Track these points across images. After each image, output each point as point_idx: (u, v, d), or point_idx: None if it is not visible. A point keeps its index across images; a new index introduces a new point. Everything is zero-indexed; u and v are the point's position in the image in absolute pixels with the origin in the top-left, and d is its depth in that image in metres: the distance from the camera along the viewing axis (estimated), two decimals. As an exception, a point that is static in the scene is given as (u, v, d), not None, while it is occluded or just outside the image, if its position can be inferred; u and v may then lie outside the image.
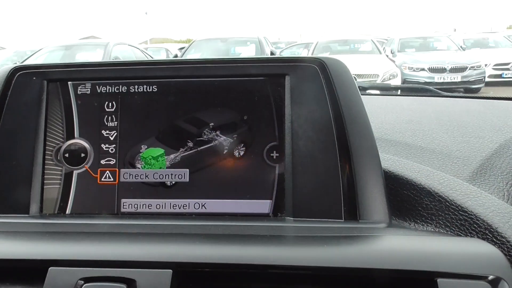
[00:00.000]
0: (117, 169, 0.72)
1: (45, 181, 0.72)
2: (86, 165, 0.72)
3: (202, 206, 0.70)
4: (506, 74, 10.41)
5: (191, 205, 0.70)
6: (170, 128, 0.72)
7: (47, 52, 8.92)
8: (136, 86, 0.74)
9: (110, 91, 0.74)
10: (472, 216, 0.62)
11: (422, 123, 1.01)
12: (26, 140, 0.72)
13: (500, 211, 0.62)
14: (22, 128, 0.73)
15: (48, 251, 0.56)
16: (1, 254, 0.56)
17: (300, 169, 0.68)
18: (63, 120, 0.73)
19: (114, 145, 0.72)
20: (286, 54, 13.43)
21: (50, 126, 0.73)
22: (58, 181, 0.72)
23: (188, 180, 0.71)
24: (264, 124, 0.71)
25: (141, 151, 0.72)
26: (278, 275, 0.53)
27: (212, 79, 0.73)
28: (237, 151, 0.71)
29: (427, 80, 9.06)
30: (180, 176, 0.71)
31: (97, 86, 0.74)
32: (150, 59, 0.79)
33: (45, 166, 0.72)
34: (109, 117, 0.73)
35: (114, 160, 0.72)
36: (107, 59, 8.03)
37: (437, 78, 9.14)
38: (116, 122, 0.73)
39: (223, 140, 0.71)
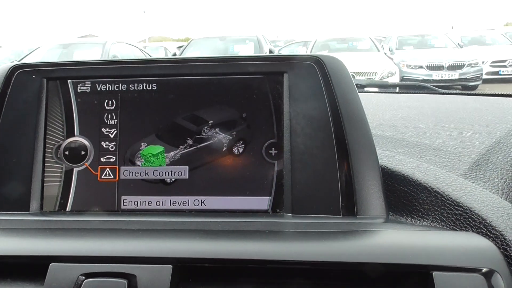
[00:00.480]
0: (117, 167, 0.72)
1: (45, 179, 0.72)
2: (86, 163, 0.73)
3: (201, 202, 0.70)
4: (503, 71, 10.43)
5: (190, 201, 0.70)
6: (169, 125, 0.73)
7: (44, 50, 8.90)
8: (135, 84, 0.74)
9: (110, 89, 0.74)
10: (467, 211, 0.63)
11: (419, 120, 1.02)
12: (26, 138, 0.73)
13: (494, 205, 0.63)
14: (22, 126, 0.73)
15: (49, 247, 0.57)
16: (2, 250, 0.57)
17: (299, 165, 0.69)
18: (63, 118, 0.74)
19: (114, 143, 0.73)
20: (285, 52, 13.43)
21: (50, 124, 0.74)
22: (58, 179, 0.72)
23: (187, 177, 0.71)
24: (263, 122, 0.72)
25: (141, 148, 0.73)
26: (277, 270, 0.54)
27: (211, 77, 0.74)
28: (236, 148, 0.71)
29: (425, 78, 9.07)
30: (180, 173, 0.71)
31: (96, 84, 0.75)
32: (150, 57, 0.79)
33: (45, 164, 0.73)
34: (109, 115, 0.74)
35: (114, 157, 0.73)
36: (105, 58, 8.02)
37: (435, 75, 9.15)
38: (116, 120, 0.73)
39: (222, 138, 0.72)
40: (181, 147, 0.72)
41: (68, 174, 0.72)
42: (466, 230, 0.62)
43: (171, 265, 0.52)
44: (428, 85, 1.60)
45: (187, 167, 0.72)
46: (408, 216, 0.70)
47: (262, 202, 0.70)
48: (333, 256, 0.52)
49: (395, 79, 8.30)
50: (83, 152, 0.73)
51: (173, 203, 0.71)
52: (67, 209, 0.71)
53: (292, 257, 0.53)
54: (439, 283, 0.50)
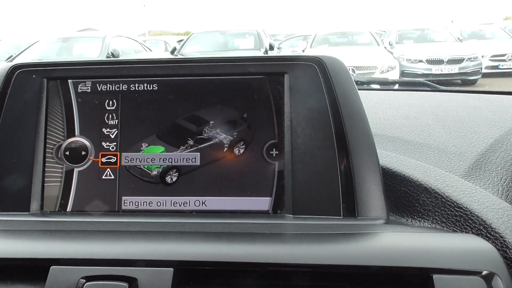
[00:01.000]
0: (117, 167, 0.72)
1: (45, 179, 0.72)
2: (86, 163, 0.73)
3: (202, 203, 0.70)
4: (502, 65, 10.44)
5: (191, 202, 0.70)
6: (170, 126, 0.73)
7: (44, 44, 8.87)
8: (136, 85, 0.74)
9: (111, 89, 0.74)
10: (467, 212, 0.63)
11: (419, 118, 1.02)
12: (27, 138, 0.73)
13: (494, 207, 0.63)
14: (22, 126, 0.73)
15: (49, 250, 0.57)
16: (3, 253, 0.57)
17: (299, 166, 0.69)
18: (63, 118, 0.74)
19: (115, 143, 0.73)
20: (285, 46, 13.41)
21: (50, 124, 0.74)
22: (59, 179, 0.72)
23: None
24: (264, 122, 0.72)
25: (141, 149, 0.73)
26: (278, 272, 0.54)
27: (212, 77, 0.74)
28: (237, 149, 0.71)
29: (425, 72, 9.07)
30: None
31: (97, 84, 0.75)
32: (151, 57, 0.78)
33: (46, 164, 0.73)
34: (110, 115, 0.74)
35: (115, 158, 0.73)
36: (104, 52, 7.99)
37: (435, 69, 9.16)
38: (116, 120, 0.73)
39: (223, 138, 0.72)
40: (182, 147, 0.72)
41: (68, 175, 0.72)
42: (466, 232, 0.63)
43: (172, 268, 0.53)
44: (428, 82, 1.60)
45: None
46: (409, 217, 0.70)
47: (263, 203, 0.70)
48: (334, 259, 0.53)
49: (395, 73, 8.30)
50: (83, 152, 0.73)
51: (173, 203, 0.71)
52: (67, 210, 0.71)
53: (293, 260, 0.53)
54: (439, 285, 0.50)
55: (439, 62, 9.22)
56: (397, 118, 1.03)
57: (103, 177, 0.72)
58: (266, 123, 0.72)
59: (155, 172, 0.72)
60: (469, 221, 0.63)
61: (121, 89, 0.74)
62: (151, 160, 0.72)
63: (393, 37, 11.05)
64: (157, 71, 0.74)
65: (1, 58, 8.29)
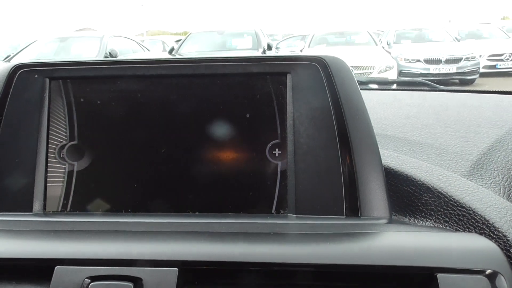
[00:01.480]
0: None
1: (48, 179, 0.72)
2: (89, 163, 0.73)
3: (205, 203, 0.70)
4: (500, 65, 10.44)
5: (194, 202, 0.70)
6: (172, 125, 0.73)
7: (41, 44, 8.86)
8: (138, 84, 0.74)
9: (112, 89, 0.74)
10: (470, 212, 0.64)
11: (420, 118, 1.02)
12: (29, 138, 0.73)
13: (496, 206, 0.64)
14: (24, 126, 0.73)
15: (54, 250, 0.57)
16: (8, 253, 0.57)
17: (302, 166, 0.69)
18: (65, 118, 0.74)
19: None
20: (283, 46, 13.39)
21: (52, 124, 0.74)
22: (61, 179, 0.72)
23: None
24: (266, 122, 0.72)
25: None
26: (282, 272, 0.54)
27: (214, 77, 0.73)
28: (239, 148, 0.71)
29: (423, 72, 9.08)
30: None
31: (99, 84, 0.74)
32: (152, 58, 0.78)
33: (48, 164, 0.73)
34: (111, 115, 0.73)
35: None
36: (102, 52, 7.97)
37: (433, 69, 9.16)
38: (118, 120, 0.73)
39: (226, 138, 0.72)
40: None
41: (71, 175, 0.72)
42: (469, 231, 0.63)
43: (176, 268, 0.53)
44: (428, 82, 1.60)
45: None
46: (411, 216, 0.71)
47: (266, 203, 0.70)
48: (338, 259, 0.53)
49: (393, 73, 8.30)
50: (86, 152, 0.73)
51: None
52: (70, 210, 0.71)
53: (297, 260, 0.53)
54: (444, 285, 0.50)
55: (437, 61, 9.23)
56: (398, 117, 1.03)
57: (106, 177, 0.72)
58: (268, 123, 0.72)
59: None
60: (472, 220, 0.63)
61: (122, 89, 0.74)
62: None
63: (391, 37, 11.05)
64: (160, 71, 0.74)
65: (-2, 58, 8.26)
